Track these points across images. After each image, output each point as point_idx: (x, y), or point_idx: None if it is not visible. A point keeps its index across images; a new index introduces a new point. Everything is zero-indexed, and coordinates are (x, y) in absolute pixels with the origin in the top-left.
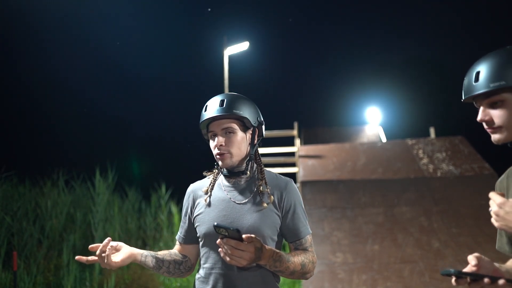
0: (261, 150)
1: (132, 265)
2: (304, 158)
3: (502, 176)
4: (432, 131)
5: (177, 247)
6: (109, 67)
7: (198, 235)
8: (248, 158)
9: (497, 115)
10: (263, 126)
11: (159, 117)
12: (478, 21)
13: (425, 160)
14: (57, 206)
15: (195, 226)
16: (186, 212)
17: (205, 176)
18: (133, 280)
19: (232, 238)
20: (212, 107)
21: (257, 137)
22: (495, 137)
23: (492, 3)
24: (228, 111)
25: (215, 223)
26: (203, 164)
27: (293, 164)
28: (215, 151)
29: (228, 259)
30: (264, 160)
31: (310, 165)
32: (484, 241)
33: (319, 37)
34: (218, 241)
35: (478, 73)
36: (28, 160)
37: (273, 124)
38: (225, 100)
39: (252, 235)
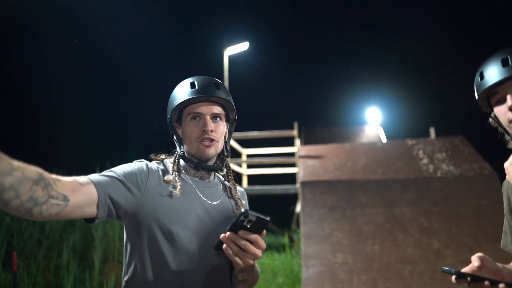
0: (261, 150)
1: None
2: (304, 158)
3: None
4: (432, 131)
5: (75, 183)
6: (110, 67)
7: (158, 229)
8: (221, 155)
9: None
10: (234, 124)
11: (159, 116)
12: (479, 21)
13: (425, 160)
14: None
15: (150, 217)
16: (132, 180)
17: (160, 159)
18: None
19: (252, 230)
20: (206, 87)
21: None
22: None
23: (492, 4)
24: (224, 96)
25: (243, 210)
26: None
27: (293, 164)
28: (199, 136)
29: (236, 258)
30: (264, 160)
31: (310, 165)
32: (485, 242)
33: (319, 37)
34: (229, 234)
35: (506, 59)
36: (27, 159)
37: (273, 124)
38: (219, 84)
39: None
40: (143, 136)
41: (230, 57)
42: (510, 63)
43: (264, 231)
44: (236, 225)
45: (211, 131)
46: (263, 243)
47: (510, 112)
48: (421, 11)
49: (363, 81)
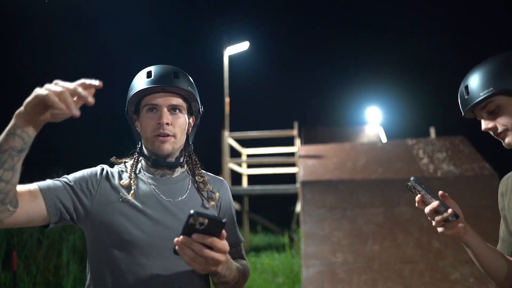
0: (261, 150)
1: None
2: (304, 158)
3: (508, 174)
4: (432, 131)
5: (24, 189)
6: (109, 67)
7: (111, 238)
8: (185, 150)
9: (499, 121)
10: (199, 117)
11: None
12: (479, 21)
13: (425, 160)
14: None
15: (103, 224)
16: (82, 184)
17: (113, 164)
18: None
19: (207, 233)
20: (163, 76)
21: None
22: (506, 141)
23: (492, 4)
24: (184, 87)
25: (192, 211)
26: (203, 162)
27: (293, 164)
28: (154, 130)
29: (194, 263)
30: (264, 160)
31: (310, 165)
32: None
33: (320, 37)
34: (182, 238)
35: (467, 87)
36: (27, 160)
37: (273, 124)
38: (179, 73)
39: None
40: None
41: (230, 57)
42: (469, 92)
43: (224, 233)
44: (188, 228)
45: (167, 124)
46: (223, 246)
47: (488, 131)
48: (421, 11)
49: (363, 81)
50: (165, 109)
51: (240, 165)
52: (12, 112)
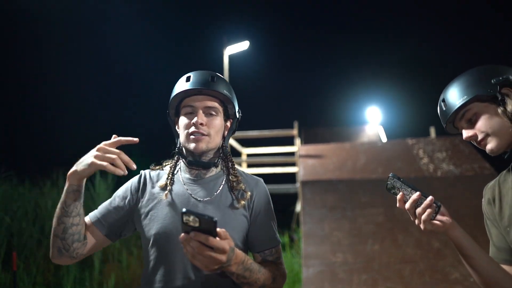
0: (261, 150)
1: (132, 264)
2: (304, 158)
3: (492, 183)
4: (432, 130)
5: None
6: (109, 67)
7: (147, 236)
8: (220, 151)
9: (477, 127)
10: (238, 121)
11: (159, 116)
12: (478, 21)
13: (425, 160)
14: (57, 206)
15: (142, 224)
16: (126, 197)
17: (160, 167)
18: (133, 280)
19: (203, 231)
20: (200, 80)
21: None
22: (488, 148)
23: (492, 4)
24: (220, 90)
25: (184, 209)
26: None
27: (293, 164)
28: (189, 130)
29: (196, 261)
30: (264, 160)
31: (310, 164)
32: (485, 241)
33: (320, 37)
34: (182, 235)
35: (444, 100)
36: (27, 160)
37: (273, 124)
38: (216, 77)
39: (226, 232)
40: (143, 135)
41: (230, 57)
42: (447, 104)
43: (222, 232)
44: (185, 226)
45: (201, 124)
46: (221, 245)
47: (470, 140)
48: (421, 11)
49: (363, 81)
50: (201, 111)
51: (240, 164)
52: (13, 111)
